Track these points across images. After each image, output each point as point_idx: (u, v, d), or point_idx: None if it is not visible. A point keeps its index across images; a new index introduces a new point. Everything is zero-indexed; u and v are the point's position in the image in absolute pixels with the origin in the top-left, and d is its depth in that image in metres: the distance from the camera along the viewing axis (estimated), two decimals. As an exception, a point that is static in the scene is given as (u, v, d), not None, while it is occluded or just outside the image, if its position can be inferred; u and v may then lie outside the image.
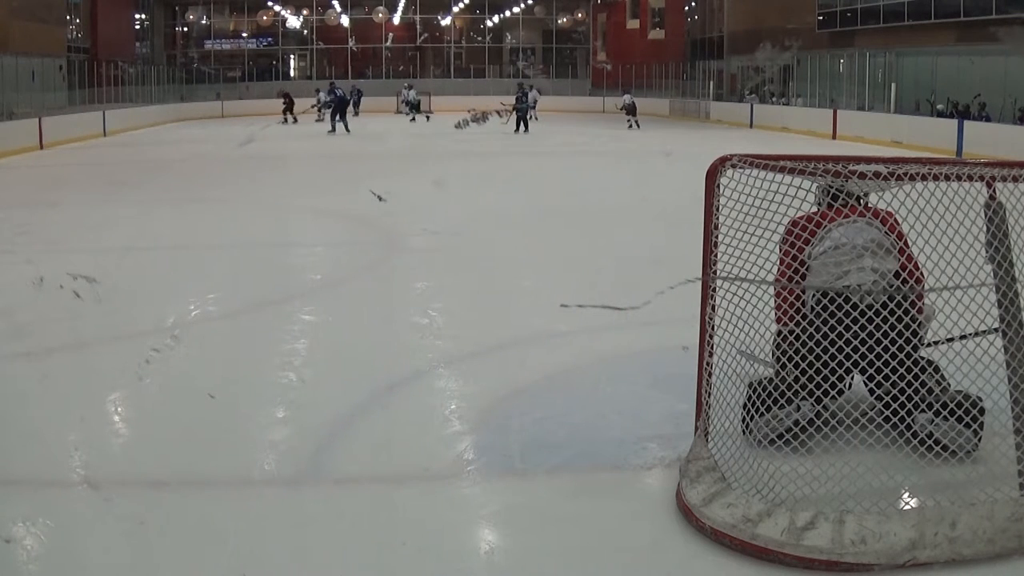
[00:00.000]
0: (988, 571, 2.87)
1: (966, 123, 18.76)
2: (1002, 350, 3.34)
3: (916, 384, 3.47)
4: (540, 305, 6.14)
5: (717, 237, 3.52)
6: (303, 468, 3.71)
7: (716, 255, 3.53)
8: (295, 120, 29.01)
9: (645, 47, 39.91)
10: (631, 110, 27.72)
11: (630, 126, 27.24)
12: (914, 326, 3.63)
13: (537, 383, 4.64)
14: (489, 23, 44.46)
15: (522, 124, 24.87)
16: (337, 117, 24.90)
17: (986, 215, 3.33)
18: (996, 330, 3.39)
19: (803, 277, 3.92)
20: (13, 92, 23.54)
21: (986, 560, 2.89)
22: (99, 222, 10.30)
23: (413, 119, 30.43)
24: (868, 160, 3.49)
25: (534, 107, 28.23)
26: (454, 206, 11.20)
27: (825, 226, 3.96)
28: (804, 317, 3.91)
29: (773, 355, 4.05)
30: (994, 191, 3.33)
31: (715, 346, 3.59)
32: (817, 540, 2.92)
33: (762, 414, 3.68)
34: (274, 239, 9.52)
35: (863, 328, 3.57)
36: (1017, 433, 3.26)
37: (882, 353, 3.49)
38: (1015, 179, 3.34)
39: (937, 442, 3.51)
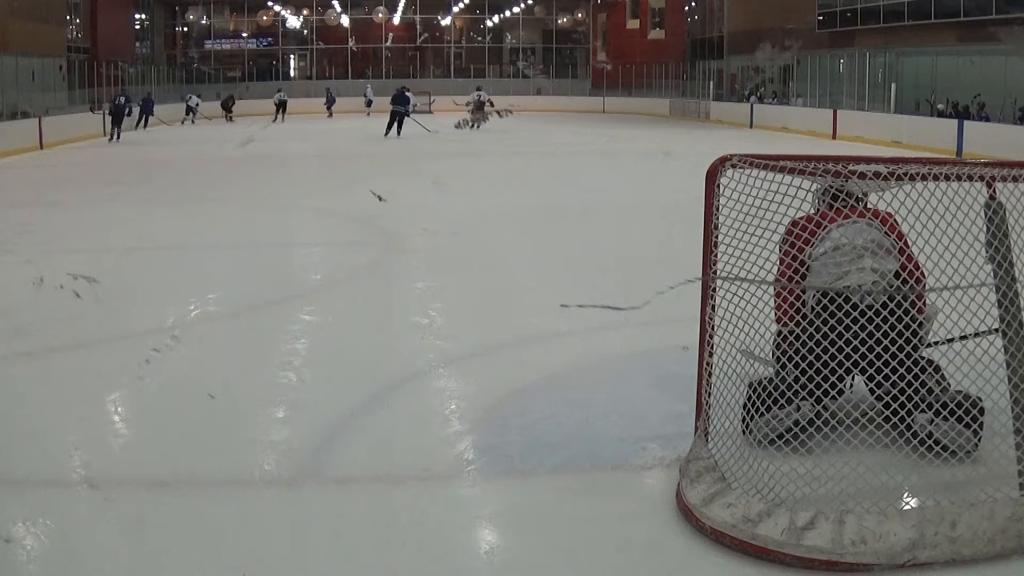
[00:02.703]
0: (988, 571, 2.87)
1: (966, 123, 18.77)
2: (1002, 350, 3.34)
3: (916, 384, 3.47)
4: (540, 305, 6.14)
5: (717, 237, 3.52)
6: (303, 468, 3.71)
7: (716, 255, 3.53)
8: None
9: (645, 47, 39.92)
10: (478, 107, 26.11)
11: (472, 125, 25.48)
12: (914, 326, 3.63)
13: (537, 383, 4.64)
14: (489, 23, 44.48)
15: (395, 127, 23.42)
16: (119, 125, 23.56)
17: (986, 215, 3.33)
18: (996, 330, 3.39)
19: (803, 277, 3.92)
20: (13, 92, 23.53)
21: (986, 560, 2.89)
22: (99, 222, 10.31)
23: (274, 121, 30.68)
24: (868, 160, 3.49)
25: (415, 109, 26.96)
26: (453, 206, 11.20)
27: (825, 227, 3.96)
28: (804, 317, 3.91)
29: (773, 355, 4.05)
30: (994, 191, 3.33)
31: (715, 346, 3.59)
32: (817, 540, 2.92)
33: (762, 414, 3.68)
34: (274, 239, 9.52)
35: (863, 328, 3.57)
36: (1017, 433, 3.26)
37: (882, 353, 3.49)
38: (1015, 179, 3.34)
39: (937, 442, 3.51)
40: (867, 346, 3.55)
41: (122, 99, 24.37)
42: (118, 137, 23.39)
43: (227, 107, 33.17)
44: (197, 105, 31.94)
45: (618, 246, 8.64)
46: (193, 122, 31.23)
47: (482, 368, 5.00)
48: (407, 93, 24.34)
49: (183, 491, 3.49)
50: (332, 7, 42.47)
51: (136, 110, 25.78)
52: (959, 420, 3.52)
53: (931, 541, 2.90)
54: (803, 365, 3.69)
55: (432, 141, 22.77)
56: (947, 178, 3.33)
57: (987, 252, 3.32)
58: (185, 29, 43.18)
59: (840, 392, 3.68)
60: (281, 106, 32.35)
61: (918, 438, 3.56)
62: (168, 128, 28.08)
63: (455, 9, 43.44)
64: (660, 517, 3.24)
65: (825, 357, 3.59)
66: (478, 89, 27.68)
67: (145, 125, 27.30)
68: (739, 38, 32.43)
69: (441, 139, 23.14)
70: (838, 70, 26.96)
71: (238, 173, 16.06)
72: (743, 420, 3.71)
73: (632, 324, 5.08)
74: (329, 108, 34.62)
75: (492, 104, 26.47)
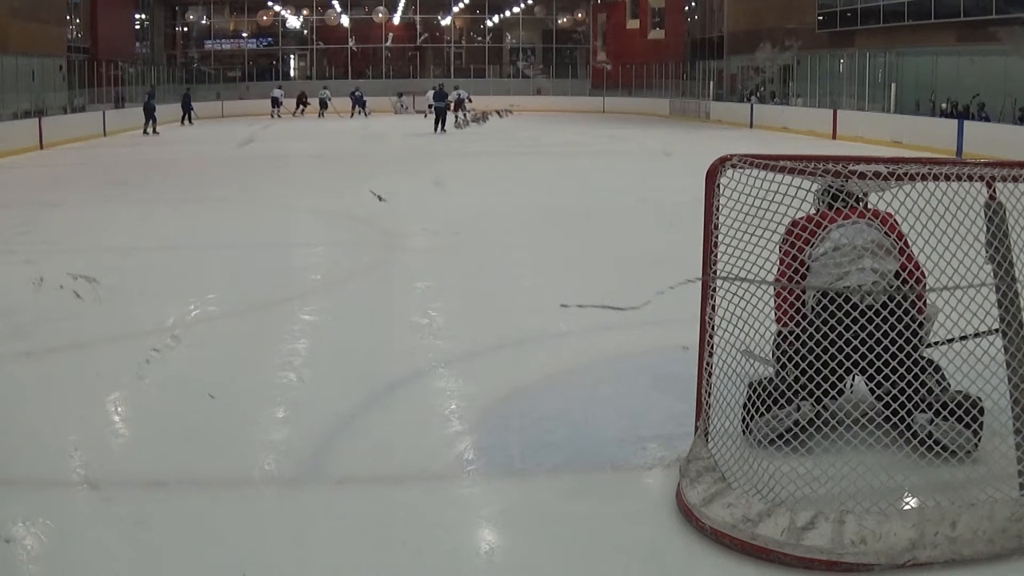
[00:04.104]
0: (988, 571, 2.87)
1: (966, 123, 18.77)
2: (1002, 350, 3.33)
3: (916, 384, 3.47)
4: (540, 305, 6.14)
5: (717, 237, 3.52)
6: (303, 468, 3.71)
7: (716, 255, 3.53)
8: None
9: (645, 47, 39.91)
10: (458, 104, 27.07)
11: (457, 125, 25.68)
12: (914, 326, 3.63)
13: (537, 383, 4.64)
14: (489, 23, 44.46)
15: (440, 123, 25.08)
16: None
17: (986, 215, 3.33)
18: (996, 330, 3.39)
19: (803, 278, 3.92)
20: (13, 92, 23.54)
21: (986, 560, 2.89)
22: (99, 222, 10.31)
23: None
24: (868, 160, 3.49)
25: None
26: (454, 206, 11.20)
27: (825, 227, 3.96)
28: (804, 318, 3.91)
29: (773, 355, 4.05)
30: (994, 191, 3.33)
31: (715, 346, 3.59)
32: (817, 540, 2.92)
33: (762, 414, 3.68)
34: (274, 239, 9.52)
35: (863, 328, 3.57)
36: (1017, 433, 3.26)
37: (882, 353, 3.49)
38: (1015, 179, 3.34)
39: (937, 442, 3.51)
40: (867, 346, 3.55)
41: (147, 97, 26.77)
42: (154, 131, 25.53)
43: (302, 101, 35.44)
44: (329, 98, 34.82)
45: (618, 246, 8.64)
46: (303, 113, 34.50)
47: (482, 368, 5.00)
48: (444, 90, 26.12)
49: (183, 491, 3.49)
50: (332, 7, 42.45)
51: (159, 108, 27.52)
52: (959, 420, 3.52)
53: (931, 541, 2.90)
54: (803, 365, 3.69)
55: (432, 141, 22.80)
56: (947, 178, 3.33)
57: (987, 252, 3.32)
58: (185, 29, 43.15)
59: (840, 392, 3.68)
60: (323, 104, 34.48)
61: (918, 438, 3.56)
62: (203, 123, 29.54)
63: (455, 9, 43.41)
64: (660, 517, 3.24)
65: (825, 357, 3.60)
66: (456, 88, 28.48)
67: (191, 121, 29.84)
68: (739, 38, 32.42)
69: (441, 139, 23.15)
70: (838, 70, 26.95)
71: (238, 173, 16.06)
72: (743, 420, 3.71)
73: (632, 324, 5.07)
74: (360, 109, 35.34)
75: (471, 99, 27.81)
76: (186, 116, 30.13)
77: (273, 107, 34.20)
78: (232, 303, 6.53)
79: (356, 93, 35.87)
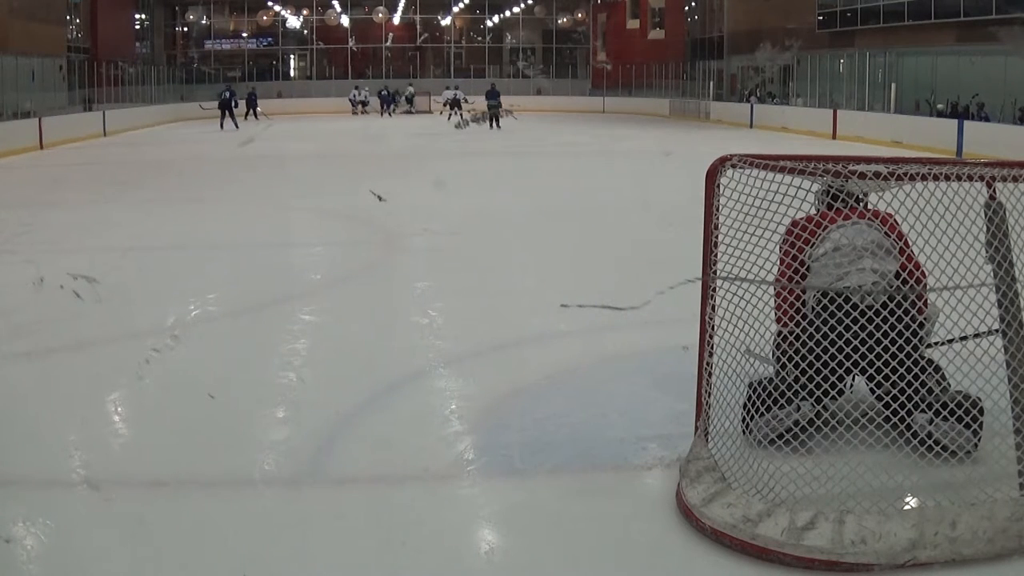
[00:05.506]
0: (988, 571, 2.87)
1: (966, 123, 18.76)
2: (1002, 350, 3.33)
3: (916, 384, 3.47)
4: (540, 305, 6.14)
5: (717, 237, 3.52)
6: (303, 468, 3.71)
7: (716, 255, 3.53)
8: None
9: (645, 47, 39.90)
10: (455, 104, 27.53)
11: (457, 125, 25.26)
12: (914, 326, 3.62)
13: (537, 383, 4.63)
14: (489, 23, 44.47)
15: (495, 121, 25.66)
16: (225, 115, 27.23)
17: (986, 215, 3.33)
18: (996, 330, 3.38)
19: (803, 278, 3.92)
20: (13, 92, 23.55)
21: (986, 560, 2.89)
22: (99, 222, 10.31)
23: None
24: (868, 160, 3.49)
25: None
26: (454, 206, 11.20)
27: (825, 227, 3.96)
28: (804, 318, 3.91)
29: (773, 355, 4.05)
30: (994, 191, 3.33)
31: (715, 346, 3.59)
32: (817, 540, 2.92)
33: (762, 414, 3.68)
34: (274, 239, 9.52)
35: (863, 329, 3.57)
36: (1017, 433, 3.26)
37: (882, 353, 3.49)
38: (1015, 179, 3.34)
39: (937, 442, 3.51)
40: (867, 346, 3.55)
41: (227, 94, 27.69)
42: (235, 126, 26.63)
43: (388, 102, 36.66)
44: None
45: (618, 246, 8.64)
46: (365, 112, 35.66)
47: (482, 368, 5.00)
48: (496, 89, 27.00)
49: (183, 491, 3.49)
50: (332, 7, 42.44)
51: (242, 103, 28.70)
52: (959, 420, 3.52)
53: (931, 541, 2.90)
54: (803, 365, 3.69)
55: (432, 141, 22.79)
56: (947, 178, 3.33)
57: (987, 252, 3.32)
58: (185, 29, 43.14)
59: (840, 392, 3.68)
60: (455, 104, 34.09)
61: (918, 438, 3.56)
62: (271, 121, 29.78)
63: (455, 9, 43.41)
64: (660, 517, 3.24)
65: (825, 357, 3.59)
66: (456, 87, 28.70)
67: (256, 117, 30.42)
68: (739, 38, 32.41)
69: (441, 139, 23.16)
70: (838, 70, 26.94)
71: (238, 173, 16.06)
72: (743, 420, 3.71)
73: (632, 324, 5.08)
74: (388, 108, 35.63)
75: (467, 100, 28.49)
76: (251, 112, 30.63)
77: (354, 107, 35.60)
78: (232, 303, 6.53)
79: (383, 92, 36.05)
